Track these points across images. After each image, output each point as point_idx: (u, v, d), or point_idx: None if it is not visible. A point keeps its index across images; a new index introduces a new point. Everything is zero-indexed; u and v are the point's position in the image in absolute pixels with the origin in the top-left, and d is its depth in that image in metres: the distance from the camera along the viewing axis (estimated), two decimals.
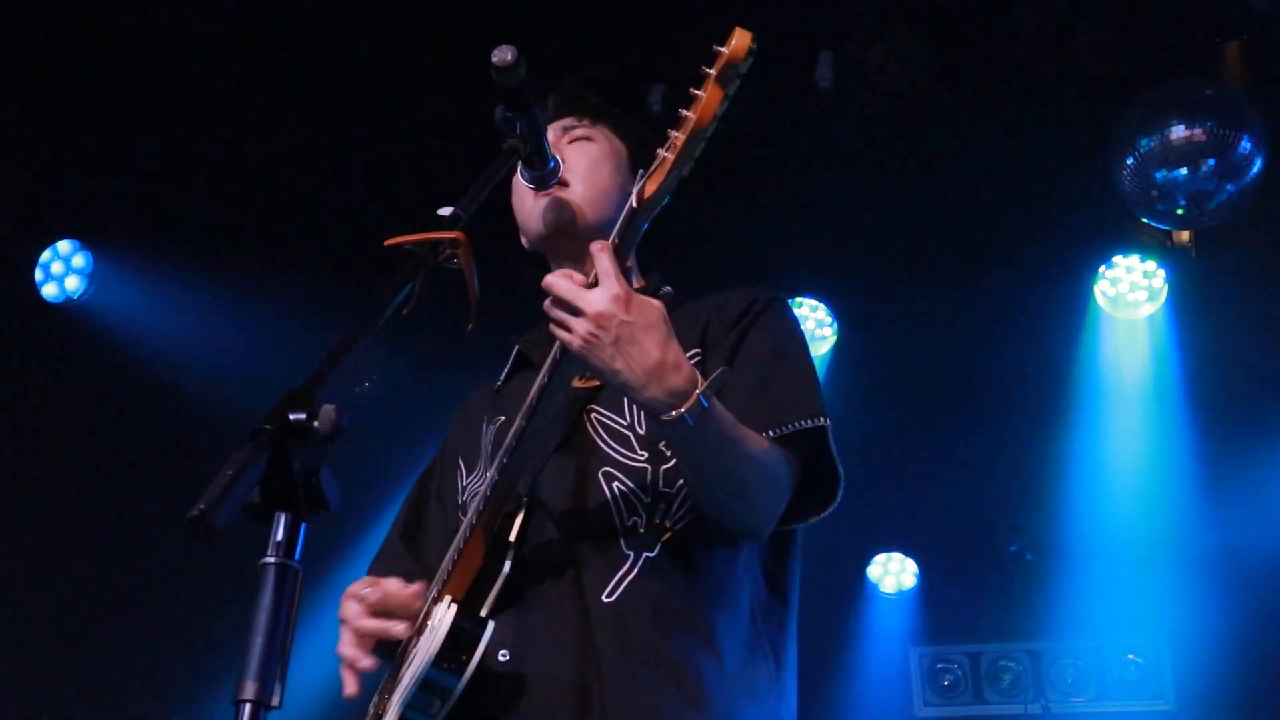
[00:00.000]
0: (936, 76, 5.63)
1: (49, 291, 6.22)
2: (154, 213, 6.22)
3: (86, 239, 6.27)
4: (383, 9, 5.54)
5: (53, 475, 6.27)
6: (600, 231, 2.25)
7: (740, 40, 2.08)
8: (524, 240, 2.69)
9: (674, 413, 2.05)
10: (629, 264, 2.62)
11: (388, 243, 1.98)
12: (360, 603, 2.32)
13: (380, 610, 2.31)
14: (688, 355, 2.36)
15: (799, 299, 6.73)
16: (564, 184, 2.50)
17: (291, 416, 1.50)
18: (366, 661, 2.28)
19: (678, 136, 2.10)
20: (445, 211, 2.07)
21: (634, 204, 2.14)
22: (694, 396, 2.05)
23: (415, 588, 2.32)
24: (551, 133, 2.61)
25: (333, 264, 6.02)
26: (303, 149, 6.03)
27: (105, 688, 6.43)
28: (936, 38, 5.60)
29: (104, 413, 6.47)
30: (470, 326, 2.10)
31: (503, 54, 2.10)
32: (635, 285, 2.60)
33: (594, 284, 2.06)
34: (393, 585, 2.33)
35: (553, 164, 2.38)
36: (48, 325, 6.38)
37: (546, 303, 2.09)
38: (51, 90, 5.77)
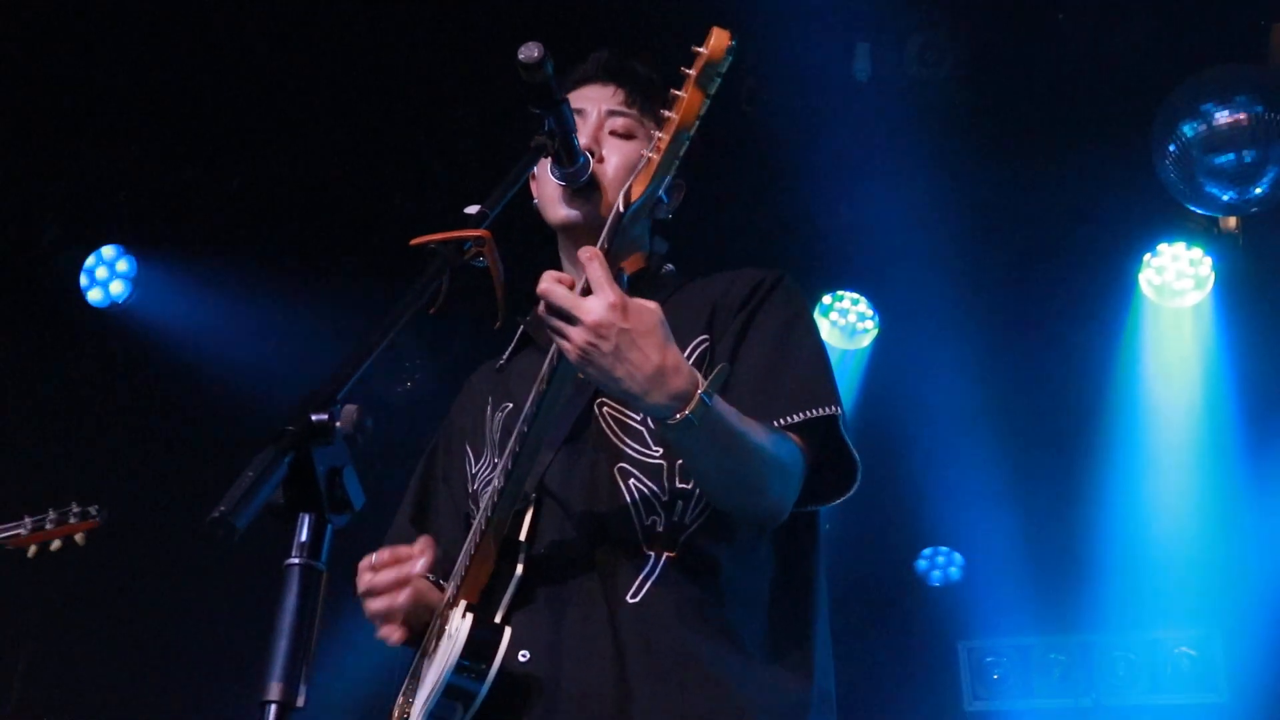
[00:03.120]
0: (975, 66, 5.58)
1: (94, 296, 6.28)
2: (196, 217, 6.27)
3: (130, 244, 6.33)
4: (410, 14, 5.56)
5: (95, 477, 6.32)
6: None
7: (718, 40, 2.06)
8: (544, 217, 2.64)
9: (678, 416, 2.03)
10: (643, 264, 2.59)
11: (413, 242, 1.97)
12: (372, 569, 2.34)
13: (391, 564, 2.33)
14: (694, 341, 2.35)
15: (840, 292, 6.70)
16: (596, 186, 2.45)
17: (314, 417, 1.50)
18: (402, 597, 2.29)
19: (661, 138, 2.08)
20: (472, 210, 2.05)
21: (620, 207, 2.12)
22: (696, 397, 2.02)
23: (421, 540, 2.36)
24: (592, 105, 2.55)
25: (376, 267, 6.05)
26: (337, 152, 6.06)
27: (128, 688, 6.48)
28: (974, 27, 5.55)
29: (147, 415, 6.52)
30: (498, 324, 2.09)
31: (529, 51, 2.08)
32: (638, 266, 2.57)
33: (587, 291, 2.03)
34: (400, 547, 2.37)
35: (582, 160, 2.36)
36: (93, 330, 6.44)
37: (541, 309, 2.06)
38: (95, 98, 5.83)
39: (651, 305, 2.06)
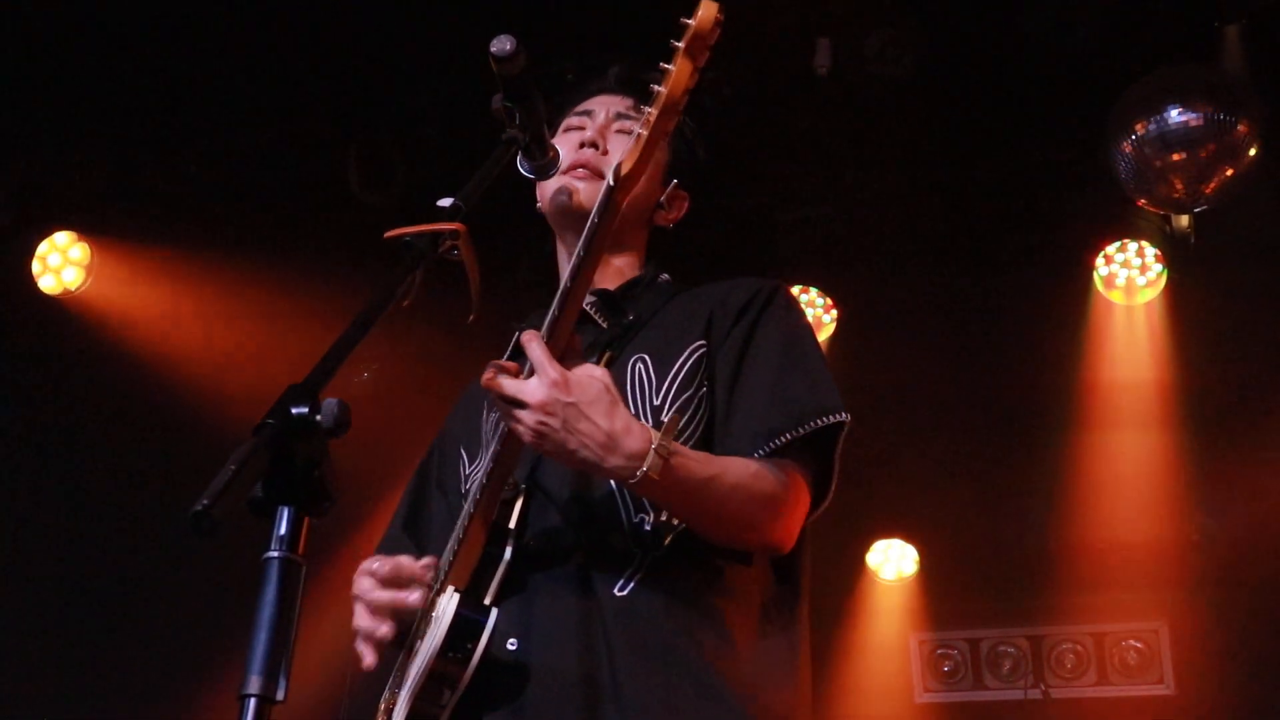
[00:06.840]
0: (935, 63, 5.61)
1: (46, 284, 6.19)
2: (151, 204, 6.19)
3: (84, 231, 6.24)
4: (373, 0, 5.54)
5: (49, 469, 6.26)
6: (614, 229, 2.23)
7: (707, 11, 2.07)
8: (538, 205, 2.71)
9: (638, 474, 2.08)
10: (639, 270, 2.65)
11: (387, 235, 1.97)
12: (372, 576, 2.31)
13: (392, 582, 2.30)
14: (691, 347, 2.39)
15: (797, 286, 6.72)
16: (597, 174, 2.52)
17: (294, 410, 1.49)
18: (384, 629, 2.26)
19: (650, 112, 2.10)
20: (445, 202, 2.05)
21: (611, 181, 2.14)
22: (651, 453, 2.07)
23: (426, 560, 2.32)
24: (602, 107, 2.64)
25: (332, 256, 6.01)
26: (301, 139, 6.01)
27: (104, 686, 6.41)
28: (935, 24, 5.58)
29: (101, 406, 6.45)
30: (472, 318, 2.10)
31: (501, 44, 2.08)
32: (631, 274, 2.61)
33: (531, 373, 2.10)
34: (404, 559, 2.34)
35: (552, 154, 2.37)
36: (45, 318, 6.36)
37: (494, 397, 2.13)
38: (48, 81, 5.75)
39: (596, 373, 2.12)
